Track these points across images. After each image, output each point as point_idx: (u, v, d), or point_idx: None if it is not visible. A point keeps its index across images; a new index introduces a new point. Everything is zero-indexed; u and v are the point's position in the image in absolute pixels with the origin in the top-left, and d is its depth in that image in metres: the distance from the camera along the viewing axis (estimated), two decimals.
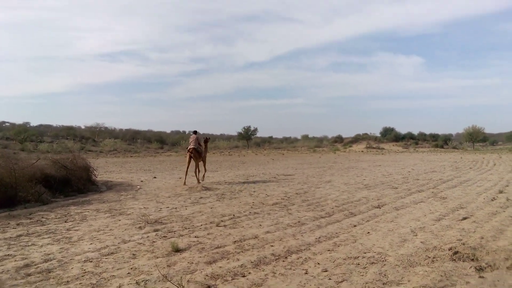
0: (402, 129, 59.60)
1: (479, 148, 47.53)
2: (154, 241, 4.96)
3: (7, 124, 53.72)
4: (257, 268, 3.88)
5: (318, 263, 4.00)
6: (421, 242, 4.75)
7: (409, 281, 3.45)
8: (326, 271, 3.77)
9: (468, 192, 8.94)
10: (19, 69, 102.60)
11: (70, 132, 48.34)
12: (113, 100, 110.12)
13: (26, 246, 4.80)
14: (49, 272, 3.82)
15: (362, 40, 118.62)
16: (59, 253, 4.47)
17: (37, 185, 8.29)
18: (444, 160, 22.76)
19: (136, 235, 5.32)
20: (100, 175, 12.59)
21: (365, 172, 15.11)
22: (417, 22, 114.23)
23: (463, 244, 4.49)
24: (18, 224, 6.06)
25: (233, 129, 78.63)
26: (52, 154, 19.54)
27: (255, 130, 53.47)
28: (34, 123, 57.90)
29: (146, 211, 7.12)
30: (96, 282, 3.54)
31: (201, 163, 11.98)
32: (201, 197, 8.80)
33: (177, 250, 4.48)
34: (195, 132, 12.22)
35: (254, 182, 11.90)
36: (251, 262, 4.05)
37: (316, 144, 53.51)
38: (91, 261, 4.14)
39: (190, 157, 11.36)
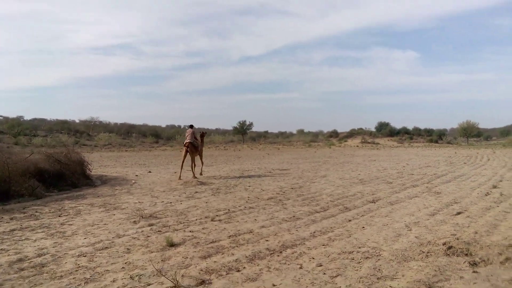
0: (397, 124, 60.14)
1: (473, 143, 47.92)
2: (148, 236, 4.94)
3: (0, 118, 53.10)
4: (252, 263, 3.88)
5: (313, 258, 4.01)
6: (416, 237, 4.78)
7: (403, 275, 3.47)
8: (321, 265, 3.78)
9: (462, 187, 9.01)
10: (12, 62, 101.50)
11: (64, 126, 47.77)
12: (107, 94, 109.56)
13: (19, 240, 4.76)
14: (43, 266, 3.80)
15: (358, 35, 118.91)
16: (53, 247, 4.44)
17: (30, 179, 8.23)
18: (438, 155, 22.91)
19: (130, 229, 5.29)
20: (95, 170, 12.51)
21: (360, 167, 15.17)
22: (412, 16, 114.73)
23: (457, 239, 4.52)
24: (11, 219, 6.01)
25: (229, 124, 78.77)
26: (46, 148, 19.40)
27: (251, 124, 53.59)
28: (28, 117, 57.26)
29: (140, 205, 7.10)
30: (90, 276, 3.52)
31: (197, 157, 11.97)
32: (196, 192, 8.78)
33: (172, 244, 4.47)
34: (191, 126, 12.18)
35: (249, 177, 11.90)
36: (246, 256, 4.05)
37: (312, 138, 53.62)
38: (85, 256, 4.12)
39: (186, 151, 11.33)
